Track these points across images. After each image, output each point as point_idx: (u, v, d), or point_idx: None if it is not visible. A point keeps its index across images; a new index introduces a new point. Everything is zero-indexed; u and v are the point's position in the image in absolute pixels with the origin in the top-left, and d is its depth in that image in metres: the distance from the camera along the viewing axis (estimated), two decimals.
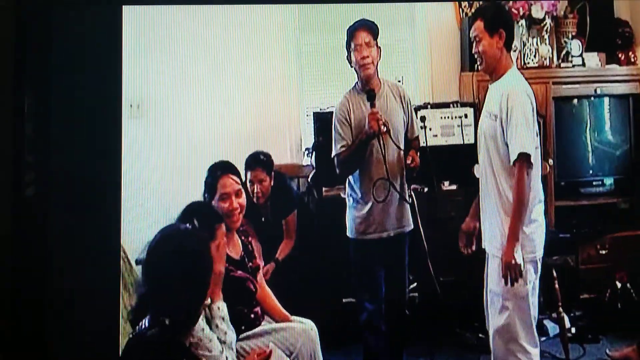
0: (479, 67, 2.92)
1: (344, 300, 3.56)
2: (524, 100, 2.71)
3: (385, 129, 3.05)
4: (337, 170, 3.18)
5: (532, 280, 2.73)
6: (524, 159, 2.65)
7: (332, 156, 3.17)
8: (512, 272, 2.65)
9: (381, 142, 3.07)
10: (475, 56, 2.88)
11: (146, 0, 3.43)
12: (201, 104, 3.89)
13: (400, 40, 4.28)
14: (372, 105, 3.08)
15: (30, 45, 2.55)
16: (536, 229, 2.76)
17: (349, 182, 3.21)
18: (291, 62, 4.18)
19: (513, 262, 2.64)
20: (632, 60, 4.25)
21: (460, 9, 4.28)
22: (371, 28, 3.14)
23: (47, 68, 2.56)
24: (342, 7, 3.99)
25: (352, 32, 3.13)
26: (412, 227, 3.22)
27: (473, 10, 4.24)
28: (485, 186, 2.83)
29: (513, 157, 2.67)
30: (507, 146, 2.70)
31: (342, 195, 3.33)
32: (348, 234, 3.21)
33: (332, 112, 3.22)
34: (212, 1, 3.76)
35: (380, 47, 3.15)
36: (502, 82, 2.81)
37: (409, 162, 3.14)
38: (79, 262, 2.52)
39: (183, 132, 3.80)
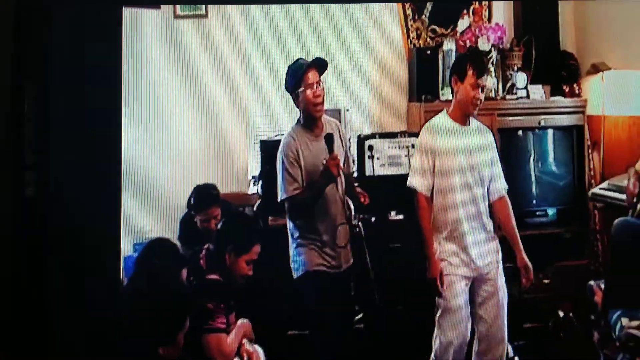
0: (474, 112, 3.08)
1: (288, 332, 3.52)
2: None
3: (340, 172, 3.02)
4: (289, 214, 3.10)
5: None
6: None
7: (282, 199, 3.07)
8: (530, 273, 3.13)
9: (339, 185, 3.05)
10: (478, 103, 3.05)
11: (146, 1, 3.60)
12: (146, 128, 3.86)
13: (350, 70, 4.31)
14: (331, 150, 2.99)
15: (30, 45, 2.55)
16: None
17: (295, 224, 3.12)
18: (239, 89, 4.15)
19: (530, 264, 3.14)
20: (577, 92, 4.37)
21: (409, 41, 4.36)
22: (323, 66, 3.07)
23: (47, 68, 2.57)
24: (294, 35, 4.04)
25: (304, 72, 3.02)
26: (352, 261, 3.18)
27: (422, 42, 4.35)
28: (467, 215, 3.05)
29: (503, 191, 3.13)
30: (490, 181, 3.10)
31: None
32: (296, 272, 3.12)
33: (279, 141, 3.18)
34: (210, 1, 3.89)
35: None
36: (479, 126, 3.14)
37: (362, 200, 3.14)
38: (79, 262, 2.55)
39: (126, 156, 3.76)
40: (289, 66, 3.09)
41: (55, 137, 2.56)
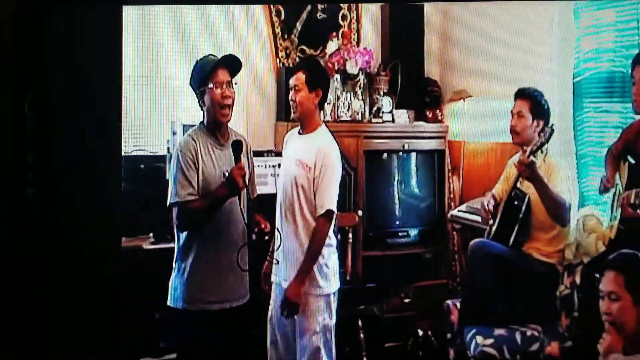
0: (293, 115, 3.05)
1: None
2: (337, 161, 2.97)
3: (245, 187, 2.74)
4: (178, 222, 2.74)
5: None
6: (328, 215, 2.89)
7: (172, 202, 2.72)
8: (291, 307, 2.87)
9: (242, 201, 2.77)
10: (292, 104, 3.01)
11: (146, 0, 3.67)
12: None
13: None
14: (238, 160, 2.68)
15: (30, 44, 2.56)
16: (331, 268, 2.99)
17: (185, 244, 2.77)
18: None
19: (295, 300, 2.87)
20: (439, 118, 4.54)
21: (278, 59, 4.35)
22: (235, 66, 2.84)
23: (47, 68, 2.58)
24: (158, 44, 3.94)
25: (213, 68, 2.75)
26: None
27: (291, 61, 4.35)
28: (284, 225, 2.98)
29: (321, 210, 2.88)
30: (314, 197, 2.91)
31: (145, 246, 3.07)
32: (173, 303, 2.78)
33: (137, 156, 3.02)
34: (211, 1, 3.90)
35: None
36: (317, 137, 2.99)
37: (262, 227, 2.83)
38: (79, 262, 2.57)
39: None
40: (197, 60, 2.82)
41: (55, 136, 2.58)
